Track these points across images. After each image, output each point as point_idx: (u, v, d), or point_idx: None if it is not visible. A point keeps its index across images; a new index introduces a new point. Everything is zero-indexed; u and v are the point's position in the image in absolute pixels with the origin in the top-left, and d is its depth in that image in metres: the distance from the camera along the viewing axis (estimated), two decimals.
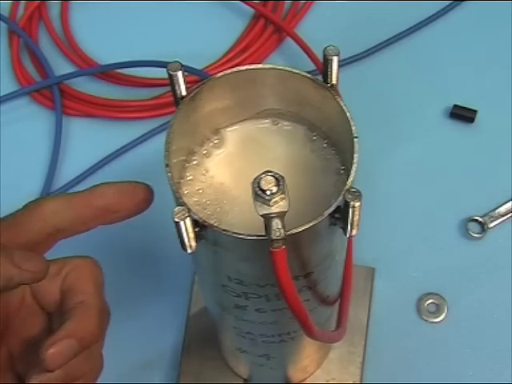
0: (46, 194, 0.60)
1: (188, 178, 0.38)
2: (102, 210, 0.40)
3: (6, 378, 0.40)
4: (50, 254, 0.41)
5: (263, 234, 0.31)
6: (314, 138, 0.39)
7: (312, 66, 0.63)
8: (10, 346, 0.40)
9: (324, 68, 0.35)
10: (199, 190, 0.38)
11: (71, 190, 0.60)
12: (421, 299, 0.55)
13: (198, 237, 0.33)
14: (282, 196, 0.30)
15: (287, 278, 0.32)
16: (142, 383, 0.54)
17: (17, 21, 0.68)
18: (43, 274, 0.38)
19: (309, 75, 0.36)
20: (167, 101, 0.63)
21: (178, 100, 0.36)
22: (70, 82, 0.65)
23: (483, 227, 0.57)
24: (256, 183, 0.30)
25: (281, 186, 0.30)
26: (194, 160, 0.39)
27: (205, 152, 0.39)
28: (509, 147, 0.61)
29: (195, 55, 0.60)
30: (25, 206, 0.40)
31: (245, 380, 0.53)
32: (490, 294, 0.55)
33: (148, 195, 0.40)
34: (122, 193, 0.40)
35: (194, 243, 0.33)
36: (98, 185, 0.41)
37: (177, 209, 0.32)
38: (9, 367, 0.40)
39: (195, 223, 0.32)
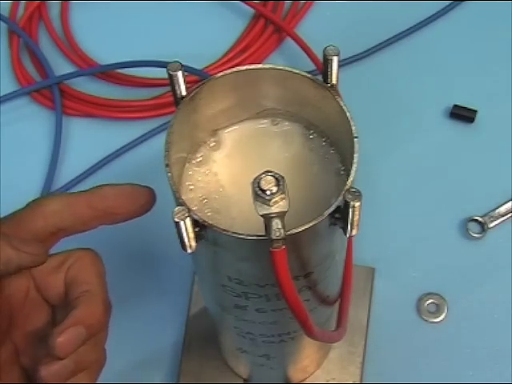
0: (46, 193, 0.60)
1: (188, 179, 0.38)
2: (102, 212, 0.41)
3: (12, 373, 0.40)
4: (51, 250, 0.41)
5: (263, 234, 0.31)
6: (311, 136, 0.39)
7: (312, 66, 0.63)
8: (15, 340, 0.41)
9: (324, 68, 0.35)
10: (199, 189, 0.38)
11: (71, 190, 0.60)
12: (421, 299, 0.55)
13: (198, 237, 0.33)
14: (282, 196, 0.30)
15: (287, 278, 0.32)
16: (142, 383, 0.54)
17: (17, 21, 0.68)
18: (42, 257, 0.38)
19: (309, 75, 0.36)
20: (167, 101, 0.63)
21: (177, 100, 0.36)
22: (70, 82, 0.65)
23: (483, 227, 0.57)
24: (256, 183, 0.30)
25: (281, 186, 0.30)
26: (195, 160, 0.39)
27: (205, 152, 0.39)
28: (509, 147, 0.61)
29: (195, 55, 0.60)
30: (27, 205, 0.41)
31: (245, 380, 0.53)
32: (490, 294, 0.55)
33: (150, 199, 0.40)
34: (124, 195, 0.41)
35: (193, 243, 0.33)
36: (99, 186, 0.41)
37: (177, 209, 0.32)
38: (14, 361, 0.40)
39: (195, 223, 0.32)
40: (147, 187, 0.41)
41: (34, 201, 0.41)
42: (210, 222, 0.32)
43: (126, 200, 0.40)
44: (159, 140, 0.61)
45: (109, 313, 0.40)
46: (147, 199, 0.40)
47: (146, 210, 0.41)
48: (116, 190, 0.41)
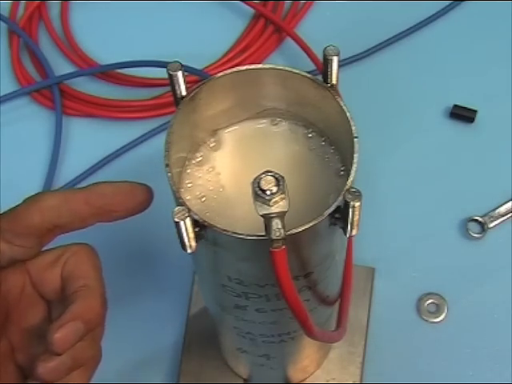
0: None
1: (188, 179, 0.38)
2: (100, 209, 0.40)
3: (8, 370, 0.40)
4: (48, 246, 0.41)
5: (263, 233, 0.31)
6: (310, 135, 0.39)
7: (312, 66, 0.63)
8: (11, 336, 0.40)
9: (324, 68, 0.35)
10: (199, 189, 0.38)
11: None
12: (421, 299, 0.55)
13: (198, 237, 0.33)
14: (282, 196, 0.30)
15: (287, 278, 0.32)
16: (142, 383, 0.54)
17: (17, 21, 0.68)
18: (34, 250, 0.38)
19: (309, 75, 0.36)
20: (167, 101, 0.63)
21: (177, 100, 0.36)
22: (70, 82, 0.65)
23: (483, 227, 0.57)
24: (256, 183, 0.30)
25: (281, 186, 0.30)
26: (195, 160, 0.39)
27: (205, 152, 0.39)
28: (509, 147, 0.61)
29: (195, 55, 0.60)
30: (24, 201, 0.40)
31: (245, 380, 0.53)
32: (489, 294, 0.55)
33: (147, 196, 0.40)
34: (121, 193, 0.40)
35: (193, 243, 0.33)
36: (97, 183, 0.41)
37: (177, 209, 0.32)
38: (10, 359, 0.40)
39: (195, 223, 0.32)
40: (145, 185, 0.41)
41: (31, 196, 0.40)
42: (210, 221, 0.32)
43: (123, 197, 0.40)
44: (159, 140, 0.61)
45: (106, 307, 0.40)
46: (145, 197, 0.40)
47: (144, 207, 0.41)
48: (114, 187, 0.40)
